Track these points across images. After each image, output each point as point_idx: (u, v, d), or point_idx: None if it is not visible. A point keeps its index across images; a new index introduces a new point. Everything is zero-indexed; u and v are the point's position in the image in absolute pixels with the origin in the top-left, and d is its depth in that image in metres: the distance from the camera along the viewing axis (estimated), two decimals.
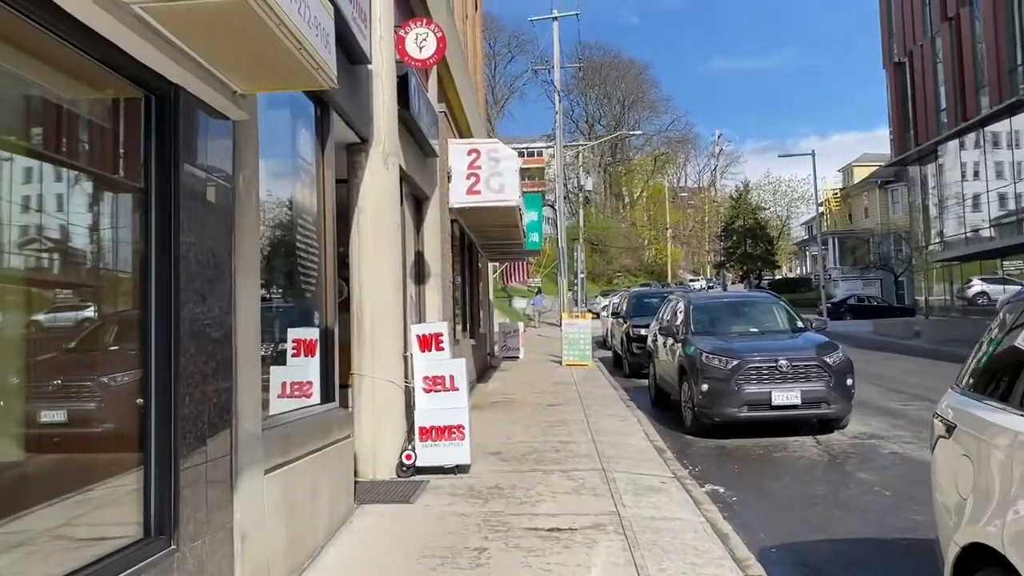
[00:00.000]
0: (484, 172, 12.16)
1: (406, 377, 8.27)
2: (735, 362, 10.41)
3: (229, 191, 4.21)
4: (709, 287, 61.87)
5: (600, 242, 77.41)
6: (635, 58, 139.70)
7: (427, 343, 8.14)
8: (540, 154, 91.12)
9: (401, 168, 9.22)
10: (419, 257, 11.12)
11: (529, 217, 18.25)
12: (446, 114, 12.14)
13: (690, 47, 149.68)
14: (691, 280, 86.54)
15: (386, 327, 8.01)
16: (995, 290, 29.87)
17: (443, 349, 8.13)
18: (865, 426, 11.12)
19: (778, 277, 71.20)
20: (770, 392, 10.20)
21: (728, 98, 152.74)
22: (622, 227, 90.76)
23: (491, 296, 24.00)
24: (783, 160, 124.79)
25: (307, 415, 5.77)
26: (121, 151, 3.64)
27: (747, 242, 66.78)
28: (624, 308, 20.44)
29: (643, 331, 18.19)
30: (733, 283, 68.17)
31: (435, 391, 8.06)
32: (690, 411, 10.93)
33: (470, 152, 12.21)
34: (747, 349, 10.73)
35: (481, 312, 19.16)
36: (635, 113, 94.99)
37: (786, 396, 10.17)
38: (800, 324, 12.04)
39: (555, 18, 40.84)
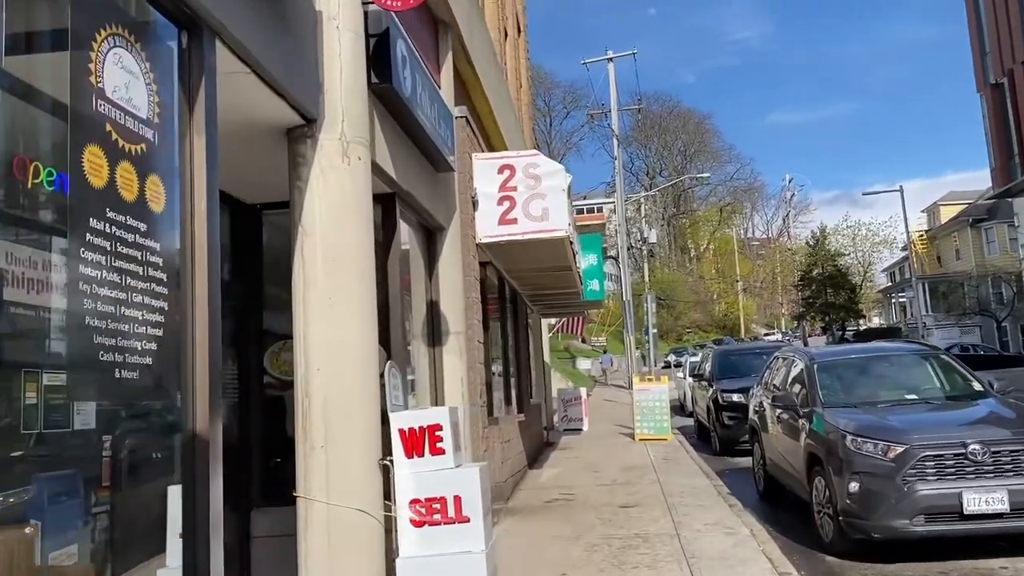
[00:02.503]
0: (521, 194, 9.10)
1: (388, 499, 5.08)
2: (900, 448, 6.95)
3: None
4: (788, 341, 57.34)
5: (667, 297, 73.64)
6: (695, 108, 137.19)
7: (415, 443, 4.96)
8: (600, 210, 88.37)
9: (387, 175, 6.21)
10: (432, 308, 8.03)
11: (587, 261, 15.12)
12: (468, 121, 9.17)
13: (748, 101, 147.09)
14: (766, 334, 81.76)
15: (350, 418, 4.88)
16: None
17: (443, 452, 4.94)
18: None
19: (864, 327, 66.20)
20: (960, 493, 6.70)
21: (790, 149, 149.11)
22: (689, 281, 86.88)
23: (547, 358, 20.73)
24: (857, 207, 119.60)
25: None
26: None
27: (827, 291, 62.21)
28: (708, 368, 16.93)
29: (735, 397, 14.72)
30: (810, 336, 63.45)
31: (431, 523, 4.85)
32: (830, 519, 7.46)
33: (502, 169, 9.17)
34: (914, 427, 7.27)
35: (533, 378, 15.95)
36: (697, 163, 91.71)
37: (986, 499, 6.66)
38: (978, 386, 8.47)
39: (609, 59, 38.32)
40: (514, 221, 9.07)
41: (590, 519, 8.80)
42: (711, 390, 15.75)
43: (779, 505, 9.83)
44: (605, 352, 49.37)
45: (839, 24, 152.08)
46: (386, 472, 5.02)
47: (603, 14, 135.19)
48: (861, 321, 68.93)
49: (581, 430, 19.39)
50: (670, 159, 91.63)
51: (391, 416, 5.06)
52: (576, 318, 23.82)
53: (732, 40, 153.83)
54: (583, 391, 19.96)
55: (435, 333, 8.03)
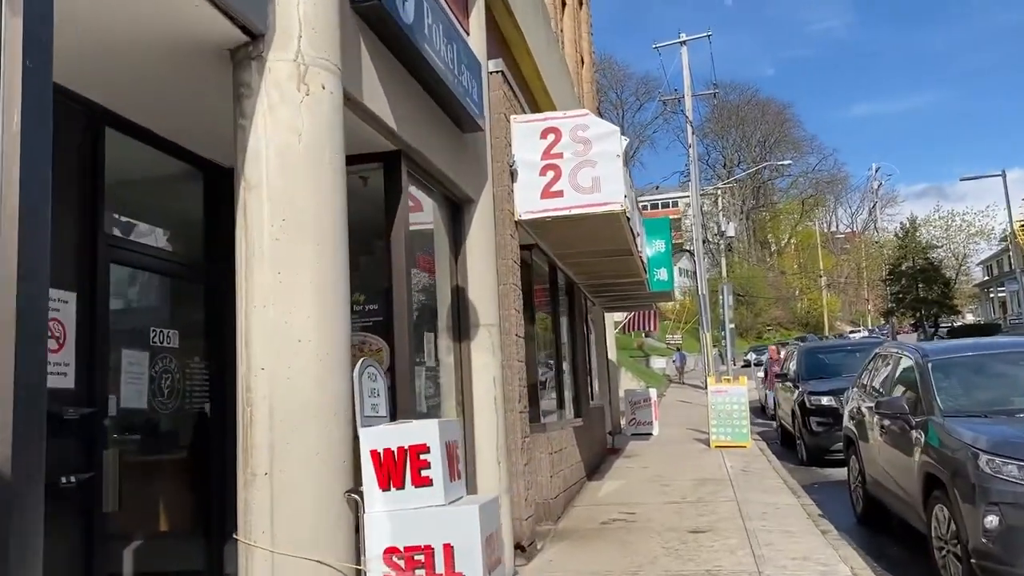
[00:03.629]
0: (568, 162, 7.70)
1: (357, 549, 3.76)
2: None
3: None
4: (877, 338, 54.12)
5: (746, 293, 70.89)
6: (774, 97, 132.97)
7: (393, 469, 3.63)
8: (675, 204, 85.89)
9: (384, 125, 4.93)
10: (459, 296, 6.72)
11: (654, 248, 13.56)
12: (506, 78, 7.80)
13: (830, 92, 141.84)
14: (851, 331, 78.07)
15: (304, 435, 3.59)
16: None
17: (429, 482, 3.60)
18: None
19: (958, 324, 62.32)
20: None
21: (874, 140, 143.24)
22: (770, 276, 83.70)
23: (613, 356, 19.18)
24: (948, 200, 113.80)
25: None
26: None
27: (918, 285, 58.67)
28: (793, 368, 15.15)
29: (825, 400, 13.01)
30: (899, 333, 59.93)
31: None
32: (957, 561, 5.84)
33: (545, 133, 7.79)
34: None
35: (594, 378, 14.50)
36: (777, 155, 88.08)
37: None
38: None
39: (683, 42, 36.48)
40: (559, 194, 7.67)
41: (652, 548, 7.35)
42: (797, 392, 14.03)
43: (883, 532, 8.20)
44: (679, 350, 47.37)
45: (924, 10, 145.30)
46: (356, 508, 3.71)
47: (677, 5, 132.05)
48: (954, 317, 65.00)
49: (651, 435, 17.83)
50: (748, 151, 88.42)
51: (360, 433, 3.74)
52: (646, 313, 21.97)
53: (812, 30, 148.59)
54: (653, 392, 18.37)
55: (462, 325, 6.71)
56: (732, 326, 22.42)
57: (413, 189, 5.98)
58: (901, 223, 67.30)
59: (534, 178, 7.74)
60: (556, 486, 8.99)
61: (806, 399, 13.34)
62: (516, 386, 7.34)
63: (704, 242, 39.14)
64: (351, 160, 4.35)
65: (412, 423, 3.83)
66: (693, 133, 36.43)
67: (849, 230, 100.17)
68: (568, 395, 10.85)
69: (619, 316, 20.84)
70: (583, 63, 16.81)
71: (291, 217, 3.73)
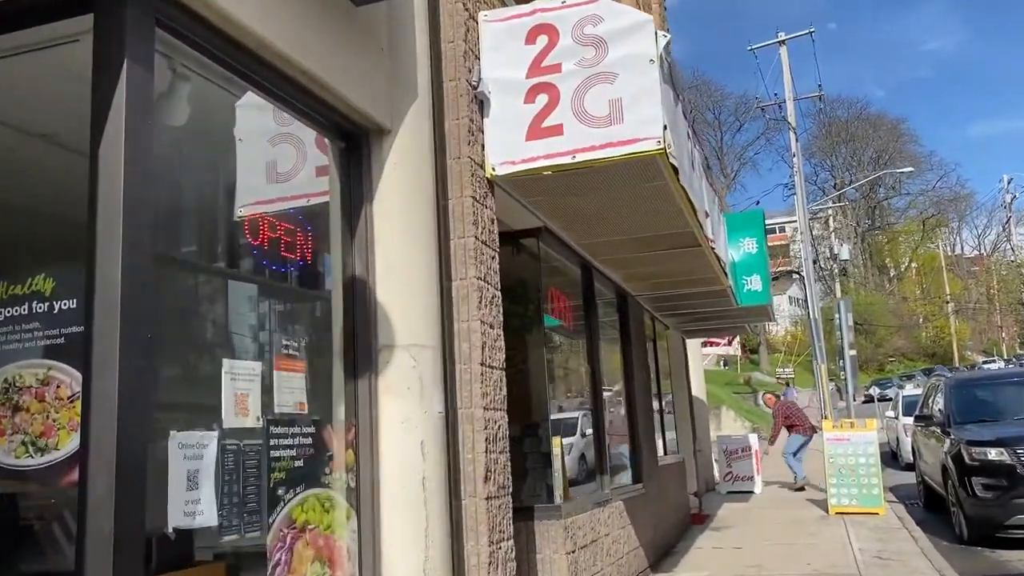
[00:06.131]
0: (570, 79, 4.65)
1: None
2: None
3: None
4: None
5: (865, 321, 65.13)
6: (885, 112, 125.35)
7: None
8: (782, 230, 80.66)
9: None
10: (353, 295, 3.75)
11: (743, 249, 10.13)
12: None
13: (946, 112, 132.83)
14: (984, 362, 70.96)
15: None
16: None
17: None
18: None
19: None
20: None
21: (997, 157, 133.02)
22: (890, 303, 77.29)
23: (700, 392, 15.59)
24: None
25: None
26: None
27: None
28: (940, 406, 11.35)
29: (992, 453, 9.32)
30: None
31: None
32: None
33: (534, 35, 4.77)
34: None
35: (674, 426, 11.18)
36: (893, 173, 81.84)
37: None
38: None
39: (781, 42, 32.99)
40: (556, 130, 4.63)
41: None
42: (948, 441, 10.30)
43: None
44: (789, 385, 42.90)
45: None
46: None
47: (779, 28, 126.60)
48: None
49: (752, 492, 14.26)
50: (860, 169, 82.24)
51: None
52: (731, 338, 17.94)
53: (923, 51, 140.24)
54: (754, 439, 14.76)
55: (359, 349, 3.73)
56: (853, 353, 18.39)
57: (229, 89, 3.11)
58: None
59: (517, 107, 4.73)
60: None
61: (963, 451, 9.63)
62: (483, 453, 4.27)
63: (814, 262, 35.01)
64: None
65: None
66: (797, 140, 32.62)
67: (976, 252, 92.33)
68: (613, 454, 7.61)
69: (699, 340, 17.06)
70: None
71: None
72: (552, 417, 5.97)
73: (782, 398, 15.93)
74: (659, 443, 9.95)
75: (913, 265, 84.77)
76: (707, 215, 6.57)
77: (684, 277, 7.92)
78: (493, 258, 4.75)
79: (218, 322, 3.04)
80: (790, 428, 14.37)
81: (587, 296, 7.21)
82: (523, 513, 5.60)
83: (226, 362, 2.90)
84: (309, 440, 3.33)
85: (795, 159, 32.40)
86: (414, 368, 3.80)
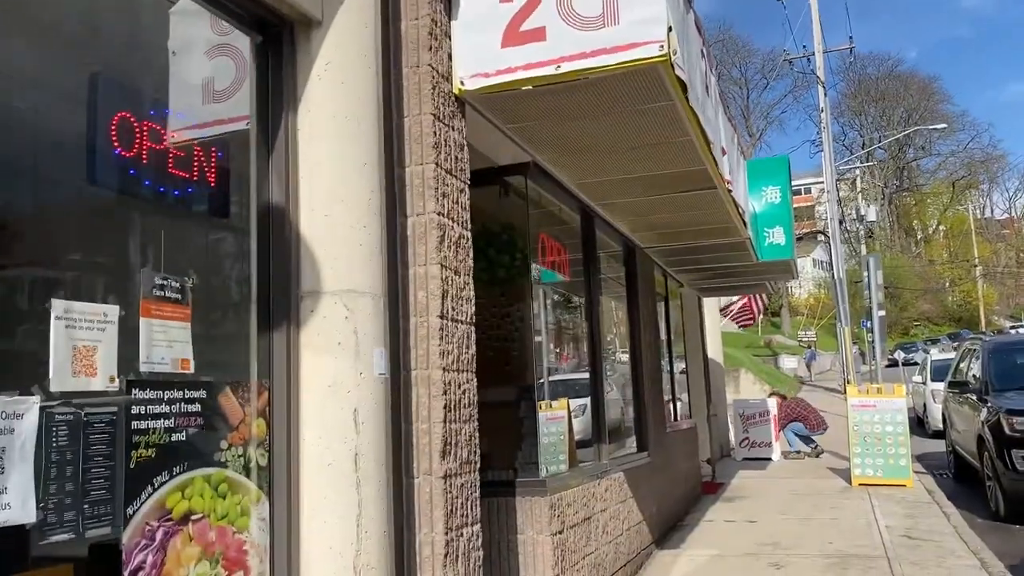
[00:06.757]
0: None
1: None
2: None
3: None
4: None
5: (891, 285, 63.76)
6: (917, 70, 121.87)
7: None
8: (808, 191, 78.82)
9: None
10: (269, 228, 2.99)
11: (766, 198, 9.24)
12: None
13: (982, 73, 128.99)
14: (1012, 327, 69.42)
15: None
16: None
17: None
18: None
19: None
20: None
21: None
22: (916, 267, 75.68)
23: (716, 354, 14.76)
24: None
25: None
26: None
27: None
28: (978, 372, 10.48)
29: None
30: None
31: None
32: None
33: None
34: None
35: (686, 388, 10.43)
36: (923, 133, 79.55)
37: None
38: None
39: None
40: (538, 34, 3.81)
41: None
42: (985, 409, 9.48)
43: None
44: (810, 347, 42.04)
45: None
46: None
47: None
48: None
49: (769, 460, 13.54)
50: (889, 129, 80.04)
51: None
52: (755, 297, 16.93)
53: (961, 7, 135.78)
54: (772, 403, 13.98)
55: (274, 294, 2.99)
56: (882, 313, 17.34)
57: None
58: None
59: (491, 5, 3.92)
60: None
61: (1003, 421, 8.81)
62: (440, 422, 3.54)
63: (840, 223, 33.86)
64: None
65: None
66: (825, 94, 31.29)
67: (1006, 215, 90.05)
68: (617, 420, 6.88)
69: (721, 300, 16.06)
70: None
71: None
72: (539, 380, 5.22)
73: (788, 398, 15.22)
74: (669, 408, 9.20)
75: (941, 228, 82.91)
76: (724, 152, 5.73)
77: (698, 227, 7.08)
78: (462, 191, 3.97)
79: (50, 250, 2.30)
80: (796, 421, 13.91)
81: (587, 246, 6.41)
82: (504, 488, 4.90)
83: (57, 304, 2.16)
84: (196, 407, 2.60)
85: (823, 114, 31.18)
86: (347, 319, 3.06)
